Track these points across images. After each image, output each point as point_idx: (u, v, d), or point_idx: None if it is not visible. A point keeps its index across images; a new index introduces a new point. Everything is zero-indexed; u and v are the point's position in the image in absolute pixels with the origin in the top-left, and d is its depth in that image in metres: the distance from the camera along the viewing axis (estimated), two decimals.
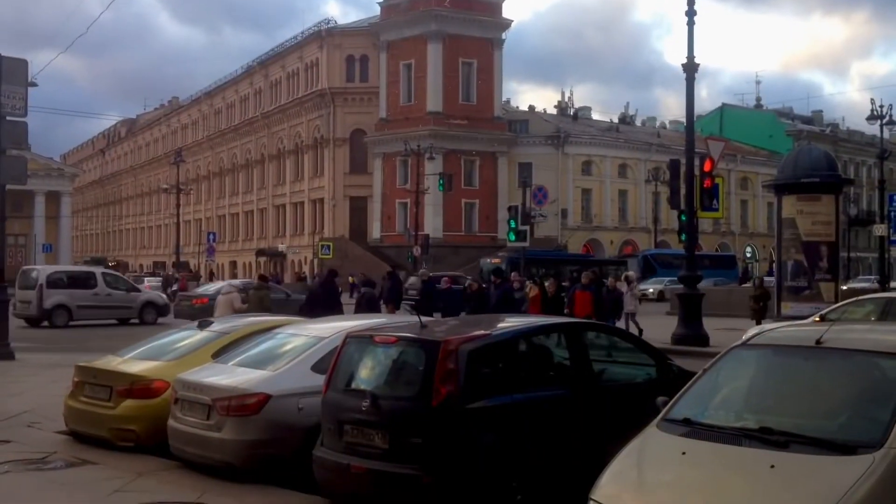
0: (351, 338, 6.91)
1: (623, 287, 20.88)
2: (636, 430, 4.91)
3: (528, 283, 19.81)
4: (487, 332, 6.86)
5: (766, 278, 26.75)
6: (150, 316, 26.86)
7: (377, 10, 64.15)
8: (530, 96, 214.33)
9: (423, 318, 7.07)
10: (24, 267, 32.03)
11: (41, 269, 28.41)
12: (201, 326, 9.33)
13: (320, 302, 17.79)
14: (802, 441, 4.27)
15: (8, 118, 14.53)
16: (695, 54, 19.06)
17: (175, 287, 47.30)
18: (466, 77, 60.59)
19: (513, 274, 20.45)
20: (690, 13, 18.98)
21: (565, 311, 16.98)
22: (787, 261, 18.07)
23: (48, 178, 67.69)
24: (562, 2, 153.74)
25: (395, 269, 22.39)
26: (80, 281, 27.02)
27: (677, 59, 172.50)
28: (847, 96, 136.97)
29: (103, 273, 28.92)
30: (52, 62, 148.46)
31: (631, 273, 23.70)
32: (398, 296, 21.83)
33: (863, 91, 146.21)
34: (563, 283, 21.07)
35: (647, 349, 7.82)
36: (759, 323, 21.01)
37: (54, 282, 26.27)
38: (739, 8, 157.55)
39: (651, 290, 43.32)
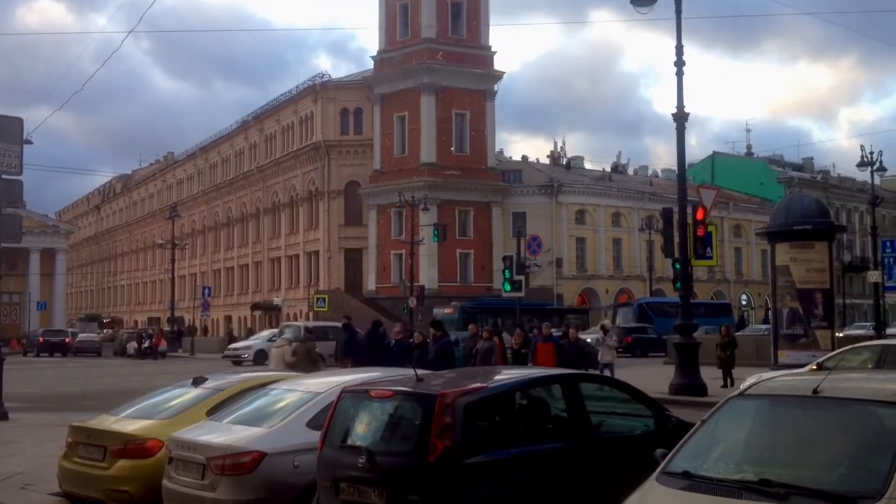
0: (346, 393, 6.87)
1: (590, 337, 20.52)
2: (635, 483, 4.86)
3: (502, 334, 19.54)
4: (484, 384, 6.82)
5: (761, 325, 26.80)
6: None
7: (367, 62, 65.04)
8: (521, 146, 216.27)
9: (420, 372, 7.05)
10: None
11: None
12: (196, 383, 9.27)
13: (366, 353, 17.70)
14: (803, 493, 4.23)
15: (3, 176, 14.58)
16: (684, 104, 19.28)
17: (148, 343, 46.84)
18: (459, 128, 61.09)
19: (470, 326, 19.80)
20: (679, 63, 19.23)
21: (529, 364, 16.64)
22: (782, 308, 18.05)
23: (43, 236, 67.85)
24: (550, 52, 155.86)
25: (350, 321, 21.67)
26: None
27: (666, 107, 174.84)
28: (837, 143, 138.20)
29: None
30: (47, 119, 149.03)
31: (607, 322, 23.13)
32: (355, 349, 20.35)
33: (852, 137, 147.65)
34: (531, 335, 20.54)
35: (644, 400, 7.78)
36: (726, 372, 20.88)
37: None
38: (725, 56, 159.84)
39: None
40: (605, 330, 21.86)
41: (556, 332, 19.23)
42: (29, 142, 20.06)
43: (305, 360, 16.26)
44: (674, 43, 19.09)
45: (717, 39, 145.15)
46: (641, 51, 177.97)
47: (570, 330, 20.27)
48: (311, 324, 37.56)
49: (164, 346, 48.01)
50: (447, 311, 43.48)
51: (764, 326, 50.50)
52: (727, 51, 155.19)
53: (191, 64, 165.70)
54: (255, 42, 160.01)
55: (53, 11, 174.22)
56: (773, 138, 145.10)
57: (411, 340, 17.42)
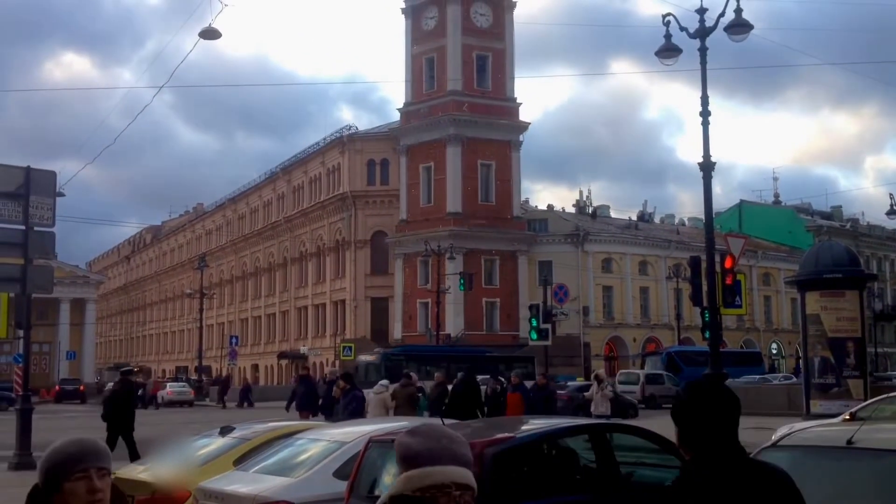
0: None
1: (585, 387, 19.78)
2: None
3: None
4: (511, 434, 6.78)
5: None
6: None
7: (388, 113, 65.96)
8: (544, 194, 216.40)
9: (446, 421, 7.01)
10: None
11: None
12: (223, 433, 9.27)
13: (461, 401, 17.58)
14: None
15: (36, 228, 14.79)
16: (710, 153, 19.27)
17: (141, 392, 45.12)
18: (485, 178, 61.39)
19: (437, 374, 19.21)
20: (705, 114, 19.25)
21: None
22: (813, 357, 17.84)
23: (74, 286, 68.53)
24: (570, 100, 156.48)
25: (308, 372, 21.05)
26: None
27: (689, 155, 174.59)
28: (864, 191, 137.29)
29: None
30: (79, 172, 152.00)
31: (601, 372, 22.05)
32: (312, 402, 19.59)
33: (878, 186, 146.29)
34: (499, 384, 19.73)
35: (674, 450, 7.66)
36: None
37: None
38: (746, 104, 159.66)
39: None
40: (599, 380, 20.68)
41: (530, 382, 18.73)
42: (61, 194, 20.39)
43: (406, 405, 16.53)
44: (694, 91, 19.25)
45: (739, 87, 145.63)
46: (663, 98, 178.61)
47: (539, 377, 19.60)
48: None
49: (189, 394, 48.27)
50: (371, 357, 42.24)
51: (779, 375, 49.82)
52: (748, 99, 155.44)
53: (213, 116, 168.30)
54: (277, 93, 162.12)
55: (78, 65, 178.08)
56: (799, 186, 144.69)
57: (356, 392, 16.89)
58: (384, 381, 18.62)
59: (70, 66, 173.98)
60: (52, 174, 15.38)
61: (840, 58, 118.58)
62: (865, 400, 15.42)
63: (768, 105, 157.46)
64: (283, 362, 70.36)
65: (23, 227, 14.71)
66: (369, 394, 17.26)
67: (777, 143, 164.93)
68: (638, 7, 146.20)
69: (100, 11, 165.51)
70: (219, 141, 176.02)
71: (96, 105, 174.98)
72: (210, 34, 22.13)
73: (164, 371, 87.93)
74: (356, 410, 15.58)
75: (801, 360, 23.16)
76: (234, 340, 59.51)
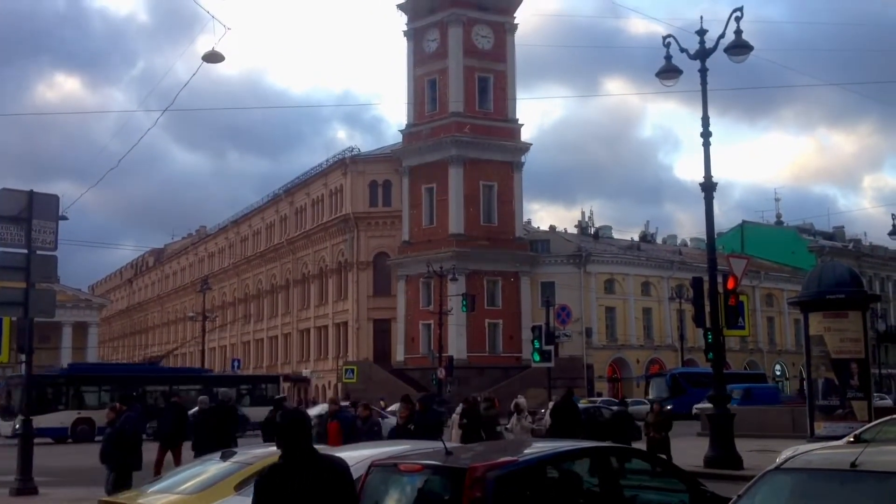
0: (375, 466, 6.80)
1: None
2: None
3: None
4: (514, 457, 6.74)
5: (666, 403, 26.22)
6: None
7: (382, 130, 66.16)
8: (541, 214, 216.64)
9: (449, 445, 6.98)
10: None
11: None
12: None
13: (562, 424, 17.60)
14: None
15: (38, 252, 14.80)
16: (712, 173, 19.30)
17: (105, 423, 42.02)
18: (487, 199, 61.46)
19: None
20: (706, 134, 19.31)
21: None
22: (817, 379, 17.77)
23: (76, 310, 68.55)
24: (565, 119, 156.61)
25: (178, 399, 19.86)
26: None
27: (686, 173, 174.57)
28: (866, 211, 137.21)
29: None
30: (82, 196, 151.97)
31: (521, 400, 20.44)
32: (180, 431, 17.71)
33: (878, 206, 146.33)
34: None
35: (678, 473, 7.62)
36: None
37: None
38: (741, 122, 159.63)
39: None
40: (518, 409, 18.97)
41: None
42: (64, 218, 20.41)
43: (488, 427, 16.95)
44: (689, 109, 19.48)
45: (733, 105, 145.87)
46: (658, 116, 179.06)
47: (360, 407, 16.86)
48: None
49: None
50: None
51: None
52: (743, 116, 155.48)
53: (206, 136, 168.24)
54: (270, 112, 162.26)
55: (69, 85, 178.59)
56: (798, 205, 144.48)
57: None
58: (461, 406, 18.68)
59: (61, 87, 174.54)
60: (55, 198, 15.42)
61: (834, 76, 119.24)
62: (870, 422, 15.35)
63: (763, 123, 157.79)
64: (286, 385, 70.15)
65: (25, 251, 14.72)
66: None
67: (774, 162, 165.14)
68: (630, 25, 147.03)
69: (89, 31, 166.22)
70: (211, 161, 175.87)
71: (88, 126, 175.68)
72: (213, 58, 22.24)
73: None
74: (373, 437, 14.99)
75: (804, 382, 23.08)
76: (236, 363, 59.41)
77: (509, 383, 51.55)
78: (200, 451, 14.31)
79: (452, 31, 61.13)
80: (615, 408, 25.63)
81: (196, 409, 17.80)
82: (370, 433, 15.10)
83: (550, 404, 19.80)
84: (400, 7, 64.28)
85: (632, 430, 19.17)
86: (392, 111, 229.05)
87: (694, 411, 43.00)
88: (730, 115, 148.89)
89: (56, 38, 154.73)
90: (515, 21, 63.75)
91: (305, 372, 67.68)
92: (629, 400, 37.50)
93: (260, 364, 78.52)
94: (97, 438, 22.13)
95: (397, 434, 16.72)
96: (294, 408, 15.24)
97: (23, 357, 16.68)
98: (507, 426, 19.01)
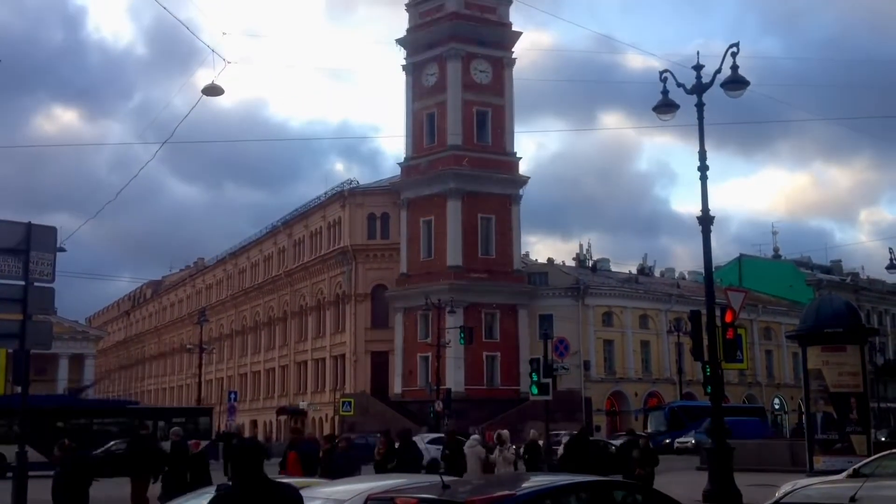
0: (372, 500, 6.77)
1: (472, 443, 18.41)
2: None
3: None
4: (512, 492, 6.70)
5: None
6: None
7: (381, 164, 67.14)
8: (538, 247, 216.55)
9: (446, 479, 6.94)
10: None
11: None
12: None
13: (573, 458, 17.62)
14: None
15: (36, 284, 14.78)
16: (709, 207, 19.34)
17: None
18: (485, 232, 61.57)
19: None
20: (703, 168, 19.37)
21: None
22: (815, 413, 17.72)
23: (73, 342, 68.25)
24: (562, 151, 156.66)
25: (146, 430, 19.16)
26: None
27: (682, 206, 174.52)
28: (863, 245, 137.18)
29: None
30: (80, 228, 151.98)
31: (504, 432, 20.26)
32: (150, 464, 16.79)
33: (875, 240, 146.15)
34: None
35: None
36: None
37: None
38: (736, 156, 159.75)
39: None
40: (501, 441, 18.89)
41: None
42: (62, 249, 20.39)
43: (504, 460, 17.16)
44: (684, 142, 19.61)
45: (728, 139, 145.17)
46: (654, 149, 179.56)
47: (322, 440, 16.64)
48: None
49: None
50: None
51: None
52: (738, 150, 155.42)
53: (203, 168, 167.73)
54: (268, 144, 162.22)
55: (66, 117, 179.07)
56: (795, 238, 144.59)
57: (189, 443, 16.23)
58: (476, 436, 18.85)
59: (58, 119, 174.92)
60: (53, 230, 15.40)
61: (829, 110, 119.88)
62: (869, 456, 15.28)
63: (759, 157, 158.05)
64: (283, 418, 69.80)
65: (22, 283, 14.70)
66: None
67: (770, 196, 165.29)
68: (626, 60, 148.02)
69: (86, 63, 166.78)
70: (208, 193, 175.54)
71: (86, 158, 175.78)
72: (213, 91, 22.39)
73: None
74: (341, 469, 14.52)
75: (803, 416, 23.01)
76: (233, 396, 59.04)
77: (507, 416, 51.32)
78: (169, 489, 14.16)
79: (451, 65, 61.59)
80: (622, 439, 25.68)
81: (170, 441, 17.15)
82: (349, 466, 14.91)
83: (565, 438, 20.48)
84: (399, 42, 64.82)
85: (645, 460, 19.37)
86: (389, 143, 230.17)
87: (676, 446, 42.84)
88: (726, 149, 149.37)
89: (54, 70, 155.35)
90: (514, 56, 64.32)
91: (302, 404, 67.32)
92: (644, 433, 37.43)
93: (257, 396, 78.16)
94: (8, 475, 21.30)
95: (376, 470, 16.64)
96: (251, 437, 15.20)
97: (18, 389, 16.54)
98: (491, 457, 19.06)
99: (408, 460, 16.60)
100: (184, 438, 17.10)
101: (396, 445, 16.82)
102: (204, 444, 26.37)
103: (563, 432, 29.23)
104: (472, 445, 18.14)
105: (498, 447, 18.95)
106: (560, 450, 22.49)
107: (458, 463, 17.40)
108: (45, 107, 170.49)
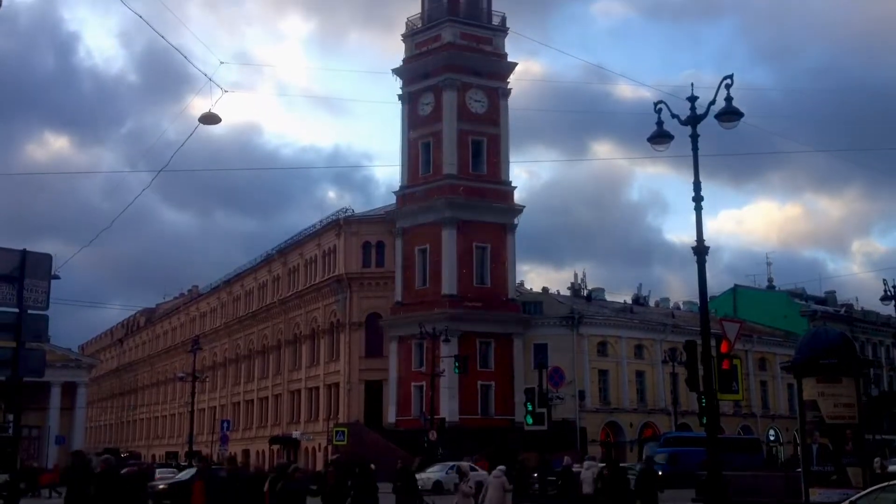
0: None
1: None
2: None
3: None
4: None
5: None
6: None
7: (374, 192, 66.67)
8: (531, 276, 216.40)
9: None
10: None
11: None
12: None
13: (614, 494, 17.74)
14: None
15: (30, 311, 14.72)
16: (704, 238, 19.38)
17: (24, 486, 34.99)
18: (480, 260, 61.58)
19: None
20: (697, 199, 19.45)
21: None
22: (811, 444, 17.64)
23: (65, 369, 67.86)
24: (554, 180, 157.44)
25: (81, 453, 18.69)
26: None
27: (674, 235, 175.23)
28: (857, 276, 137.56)
29: None
30: (74, 256, 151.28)
31: (464, 465, 20.47)
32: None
33: (867, 272, 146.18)
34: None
35: None
36: None
37: None
38: (727, 186, 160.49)
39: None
40: (461, 474, 19.14)
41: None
42: (56, 277, 20.37)
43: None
44: (678, 174, 19.96)
45: (720, 169, 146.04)
46: (646, 180, 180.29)
47: (295, 469, 16.05)
48: None
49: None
50: None
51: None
52: (729, 180, 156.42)
53: (195, 195, 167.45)
54: (260, 171, 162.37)
55: (58, 144, 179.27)
56: (788, 269, 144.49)
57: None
58: (502, 467, 19.07)
59: (50, 146, 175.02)
60: (48, 257, 15.36)
61: (819, 140, 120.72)
62: (865, 488, 15.22)
63: (750, 187, 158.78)
64: (275, 447, 69.36)
65: (16, 310, 14.65)
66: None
67: (762, 226, 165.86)
68: (617, 90, 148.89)
69: (78, 90, 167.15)
70: (200, 220, 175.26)
71: (77, 185, 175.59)
72: (209, 119, 22.48)
73: (153, 456, 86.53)
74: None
75: (798, 447, 22.93)
76: (225, 425, 58.74)
77: (502, 446, 50.97)
78: None
79: (447, 95, 61.92)
80: (638, 467, 25.96)
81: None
82: (292, 498, 14.61)
83: (585, 468, 20.48)
84: (395, 71, 65.20)
85: (656, 485, 19.61)
86: (382, 171, 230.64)
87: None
88: (717, 179, 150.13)
89: (45, 96, 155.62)
90: (509, 86, 64.67)
91: (296, 434, 66.89)
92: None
93: (249, 425, 77.69)
94: None
95: (327, 497, 16.57)
96: (291, 478, 14.99)
97: (10, 417, 16.44)
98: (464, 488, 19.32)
99: (365, 490, 16.66)
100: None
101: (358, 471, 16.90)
102: None
103: (582, 464, 28.86)
104: (497, 476, 18.43)
105: (458, 478, 19.51)
106: (585, 476, 22.71)
107: (412, 495, 17.66)
108: (37, 133, 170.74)
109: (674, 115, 19.60)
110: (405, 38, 65.99)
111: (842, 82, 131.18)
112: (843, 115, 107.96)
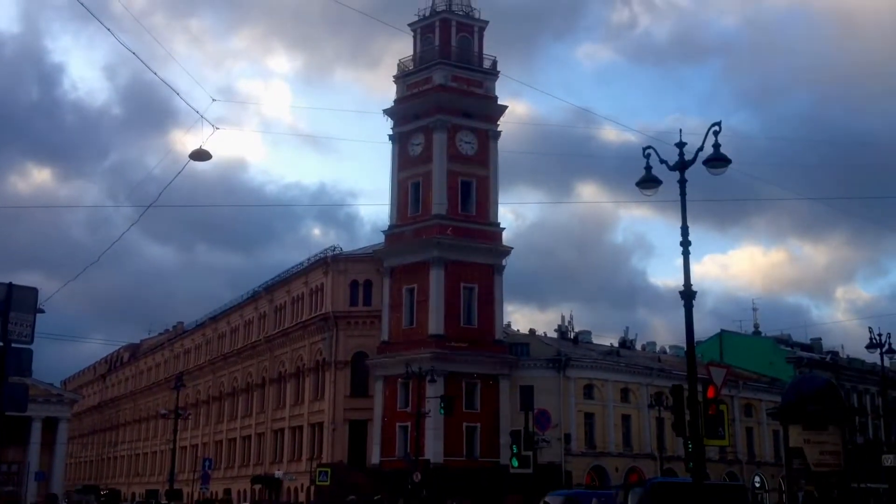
0: None
1: None
2: None
3: None
4: None
5: None
6: None
7: (358, 230, 66.43)
8: (516, 316, 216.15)
9: None
10: None
11: None
12: None
13: None
14: None
15: (14, 345, 14.61)
16: (691, 283, 19.46)
17: None
18: (468, 301, 61.54)
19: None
20: (685, 244, 19.57)
21: None
22: (797, 492, 17.62)
23: (47, 404, 67.10)
24: (540, 221, 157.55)
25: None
26: None
27: (660, 279, 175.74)
28: (842, 324, 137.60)
29: None
30: (59, 290, 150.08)
31: None
32: None
33: (852, 319, 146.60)
34: None
35: None
36: None
37: None
38: (712, 231, 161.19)
39: None
40: None
41: None
42: (41, 311, 20.21)
43: None
44: (662, 217, 20.04)
45: (704, 214, 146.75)
46: (631, 222, 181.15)
47: None
48: None
49: None
50: None
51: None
52: (714, 225, 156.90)
53: (179, 231, 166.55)
54: (245, 207, 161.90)
55: (41, 176, 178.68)
56: (772, 315, 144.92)
57: None
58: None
59: (33, 178, 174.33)
60: (34, 291, 15.29)
61: (802, 187, 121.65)
62: None
63: (734, 231, 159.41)
64: (257, 487, 68.57)
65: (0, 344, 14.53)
66: None
67: (747, 271, 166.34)
68: (602, 133, 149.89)
69: (62, 122, 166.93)
70: (183, 255, 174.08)
71: (60, 218, 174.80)
72: (200, 156, 22.55)
73: (133, 494, 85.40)
74: None
75: (784, 494, 22.86)
76: (207, 463, 58.06)
77: (487, 489, 50.62)
78: None
79: (437, 136, 62.31)
80: None
81: None
82: None
83: None
84: (386, 112, 65.61)
85: None
86: (367, 209, 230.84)
87: None
88: (702, 224, 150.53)
89: (29, 127, 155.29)
90: (499, 128, 65.13)
91: (278, 473, 66.19)
92: None
93: (231, 464, 76.84)
94: None
95: None
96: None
97: None
98: None
99: None
100: None
101: None
102: None
103: None
104: None
105: None
106: None
107: None
108: (20, 165, 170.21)
109: (662, 161, 19.79)
110: (397, 79, 66.52)
111: (825, 129, 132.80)
112: (828, 161, 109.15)
